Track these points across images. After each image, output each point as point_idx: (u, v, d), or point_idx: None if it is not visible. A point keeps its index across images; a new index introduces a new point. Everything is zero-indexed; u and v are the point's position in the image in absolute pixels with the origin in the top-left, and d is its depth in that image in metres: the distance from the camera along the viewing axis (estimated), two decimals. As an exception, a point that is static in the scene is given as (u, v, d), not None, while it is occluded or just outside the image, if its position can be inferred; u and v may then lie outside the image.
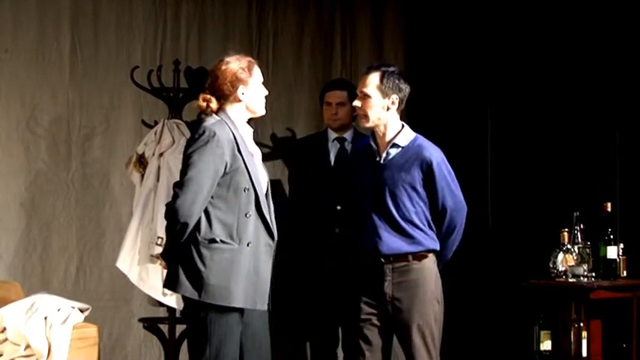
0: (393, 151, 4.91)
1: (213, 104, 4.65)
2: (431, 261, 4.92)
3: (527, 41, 6.89)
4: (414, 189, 4.87)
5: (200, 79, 6.20)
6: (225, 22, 7.09)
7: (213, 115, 4.64)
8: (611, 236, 6.12)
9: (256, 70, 4.69)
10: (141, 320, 6.46)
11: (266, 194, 4.67)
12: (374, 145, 4.95)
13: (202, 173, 4.48)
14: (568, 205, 6.28)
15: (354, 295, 4.94)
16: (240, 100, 4.64)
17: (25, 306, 5.62)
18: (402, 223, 4.86)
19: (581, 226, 6.12)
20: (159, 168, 6.16)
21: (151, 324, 6.38)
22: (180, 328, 6.27)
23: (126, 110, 6.80)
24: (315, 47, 7.34)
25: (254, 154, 4.69)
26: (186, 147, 4.60)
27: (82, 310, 5.74)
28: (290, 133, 7.05)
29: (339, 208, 6.02)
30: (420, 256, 4.89)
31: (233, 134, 4.57)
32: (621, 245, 6.14)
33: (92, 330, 5.71)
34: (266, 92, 4.73)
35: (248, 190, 4.55)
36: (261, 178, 4.64)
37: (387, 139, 4.91)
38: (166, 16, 6.93)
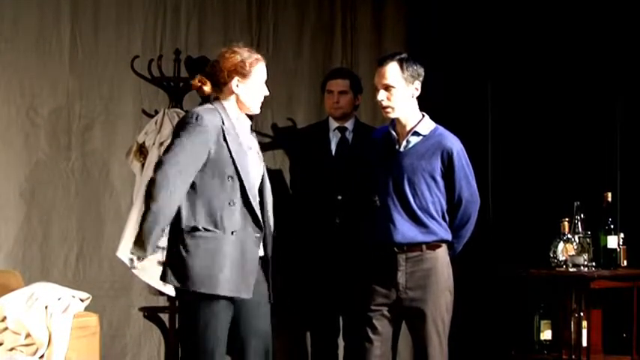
0: (414, 140, 4.88)
1: (207, 87, 4.67)
2: (444, 251, 4.91)
3: (530, 28, 6.88)
4: (433, 178, 4.85)
5: (200, 69, 6.21)
6: (226, 11, 7.07)
7: (207, 104, 4.67)
8: (612, 226, 6.13)
9: (259, 68, 4.67)
10: (141, 309, 6.46)
11: (261, 187, 4.67)
12: (394, 134, 4.92)
13: (182, 151, 4.49)
14: (568, 194, 6.28)
15: (365, 285, 4.91)
16: (232, 93, 4.65)
17: (25, 295, 5.61)
18: (419, 212, 4.84)
19: (582, 216, 6.13)
20: (159, 157, 6.15)
21: (151, 313, 6.38)
22: (180, 318, 6.26)
23: (126, 100, 6.79)
24: (316, 37, 7.33)
25: (251, 147, 4.68)
26: (174, 129, 4.65)
27: (82, 300, 5.73)
28: (290, 123, 7.04)
29: (339, 197, 6.02)
30: (433, 246, 4.87)
31: (223, 123, 4.58)
32: (621, 235, 6.16)
33: (92, 319, 5.70)
34: (266, 92, 4.71)
35: (232, 178, 4.55)
36: (252, 169, 4.63)
37: (408, 127, 4.89)
38: (166, 5, 6.91)
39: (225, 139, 4.55)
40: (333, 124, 6.22)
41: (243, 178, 4.55)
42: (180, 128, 4.57)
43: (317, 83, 6.78)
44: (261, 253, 4.67)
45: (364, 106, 6.64)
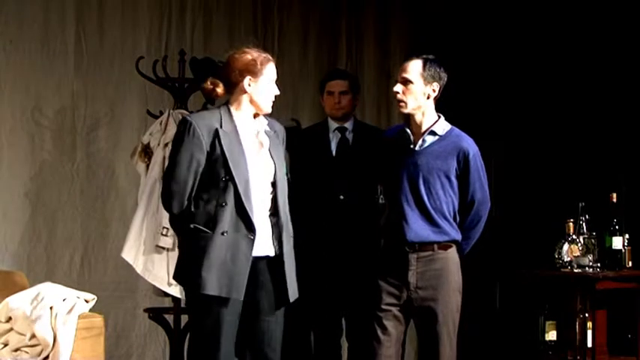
0: (430, 139, 4.89)
1: (219, 89, 4.69)
2: (454, 251, 4.92)
3: (533, 29, 6.88)
4: (448, 178, 4.86)
5: (205, 69, 6.21)
6: (231, 12, 7.09)
7: (211, 106, 4.74)
8: (617, 227, 6.12)
9: (270, 67, 4.70)
10: (146, 310, 6.46)
11: (274, 184, 4.67)
12: (409, 132, 4.93)
13: (177, 165, 4.58)
14: (573, 195, 6.27)
15: (375, 284, 4.91)
16: (244, 92, 4.66)
17: (30, 296, 5.61)
18: (432, 212, 4.85)
19: (587, 217, 6.13)
20: (164, 158, 6.14)
21: (156, 314, 6.38)
22: (185, 319, 6.26)
23: (131, 101, 6.80)
24: (321, 38, 7.34)
25: (262, 147, 4.69)
26: (173, 139, 4.74)
27: (87, 301, 5.74)
28: (295, 124, 7.03)
29: (342, 197, 6.01)
30: (445, 246, 4.88)
31: (221, 125, 4.60)
32: (626, 236, 6.15)
33: (98, 320, 5.70)
34: (277, 92, 4.74)
35: (225, 180, 4.57)
36: (255, 170, 4.63)
37: (424, 127, 4.89)
38: (171, 6, 6.93)
39: (219, 141, 4.58)
40: (333, 124, 6.19)
41: (236, 180, 4.57)
42: (176, 140, 4.64)
43: (322, 85, 6.79)
44: (263, 253, 4.67)
45: (369, 106, 6.63)
